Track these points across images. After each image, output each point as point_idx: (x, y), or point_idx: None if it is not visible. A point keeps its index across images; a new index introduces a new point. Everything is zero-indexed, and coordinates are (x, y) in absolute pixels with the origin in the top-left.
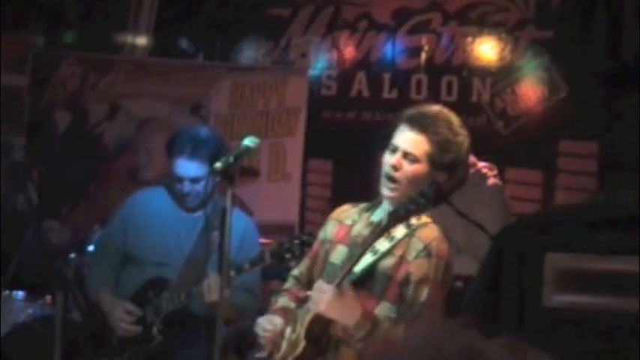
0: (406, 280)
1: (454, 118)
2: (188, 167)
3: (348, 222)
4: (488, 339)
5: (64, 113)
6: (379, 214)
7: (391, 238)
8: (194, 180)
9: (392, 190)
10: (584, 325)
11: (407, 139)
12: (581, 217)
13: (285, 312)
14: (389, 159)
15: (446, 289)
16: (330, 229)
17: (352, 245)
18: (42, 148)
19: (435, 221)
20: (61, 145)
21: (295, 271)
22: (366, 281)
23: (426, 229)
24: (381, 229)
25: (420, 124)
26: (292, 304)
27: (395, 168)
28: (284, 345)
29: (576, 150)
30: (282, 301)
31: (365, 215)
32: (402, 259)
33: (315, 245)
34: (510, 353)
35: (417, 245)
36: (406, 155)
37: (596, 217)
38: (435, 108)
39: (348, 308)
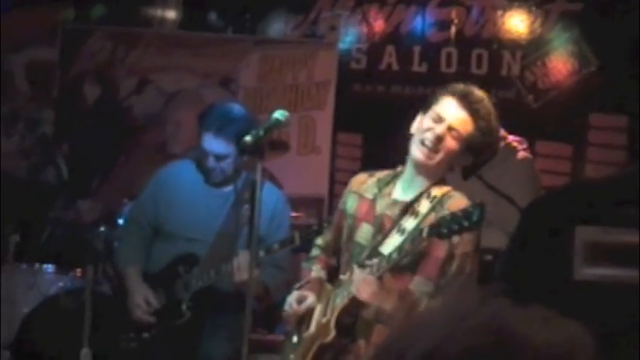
0: (450, 255)
1: (493, 108)
2: (213, 143)
3: (369, 196)
4: (515, 309)
5: (93, 86)
6: (401, 190)
7: (416, 214)
8: (218, 157)
9: (428, 157)
10: (615, 298)
11: (455, 114)
12: (611, 190)
13: (319, 283)
14: (432, 126)
15: (477, 251)
16: (351, 203)
17: (377, 224)
18: (71, 122)
19: (455, 189)
20: (90, 118)
21: (320, 241)
22: (399, 261)
23: (453, 199)
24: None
25: (471, 104)
26: (323, 274)
27: (439, 138)
28: (313, 324)
29: (606, 123)
30: (316, 270)
31: (386, 190)
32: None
33: (337, 216)
34: (538, 323)
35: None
36: (450, 129)
37: (626, 190)
38: (481, 93)
39: (388, 295)
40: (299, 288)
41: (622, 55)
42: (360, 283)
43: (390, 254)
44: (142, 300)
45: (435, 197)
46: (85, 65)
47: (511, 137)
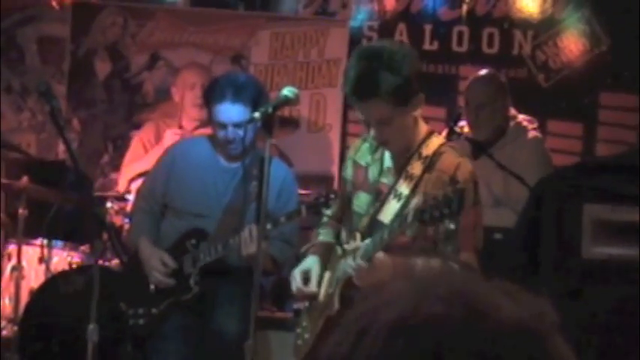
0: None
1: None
2: (231, 112)
3: (363, 163)
4: (483, 281)
5: (104, 62)
6: (389, 154)
7: (410, 177)
8: (237, 125)
9: (378, 140)
10: (622, 276)
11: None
12: (620, 169)
13: (324, 247)
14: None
15: (478, 204)
16: (349, 170)
17: (373, 192)
18: (82, 97)
19: (443, 138)
20: (101, 94)
21: (329, 211)
22: (389, 241)
23: (444, 158)
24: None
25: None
26: (331, 237)
27: (366, 122)
28: (322, 293)
29: (617, 103)
30: (323, 233)
31: (377, 155)
32: (427, 195)
33: (341, 185)
34: (506, 297)
35: (442, 179)
36: (362, 109)
37: (635, 168)
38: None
39: (383, 274)
40: (306, 251)
41: (633, 35)
42: (354, 270)
43: (382, 235)
44: (159, 262)
45: (426, 157)
46: (96, 41)
47: (521, 116)
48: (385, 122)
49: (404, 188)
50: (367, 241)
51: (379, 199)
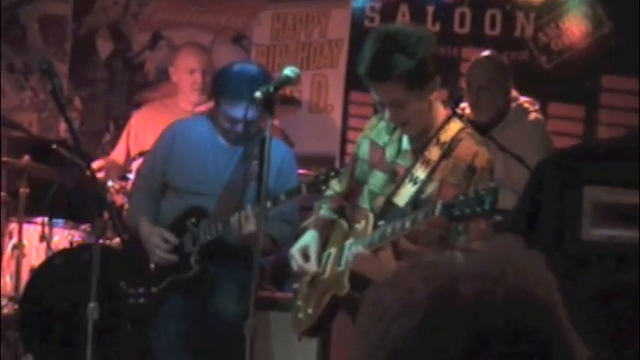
0: None
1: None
2: (244, 110)
3: (380, 142)
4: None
5: (106, 41)
6: (408, 141)
7: (427, 162)
8: (249, 122)
9: (394, 122)
10: (622, 259)
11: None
12: (620, 151)
13: (324, 221)
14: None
15: None
16: (364, 148)
17: (389, 172)
18: (84, 76)
19: (462, 123)
20: (103, 73)
21: (337, 187)
22: (412, 210)
23: (462, 145)
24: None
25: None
26: (332, 213)
27: (382, 104)
28: (328, 269)
29: (619, 86)
30: (325, 209)
31: (395, 136)
32: (442, 182)
33: (351, 161)
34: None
35: (459, 166)
36: (379, 95)
37: (636, 151)
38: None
39: (384, 267)
40: (306, 225)
41: (635, 18)
42: (356, 258)
43: (404, 223)
44: (159, 239)
45: (444, 143)
46: (98, 20)
47: (523, 98)
48: (400, 105)
49: (420, 172)
50: (381, 228)
51: (394, 180)
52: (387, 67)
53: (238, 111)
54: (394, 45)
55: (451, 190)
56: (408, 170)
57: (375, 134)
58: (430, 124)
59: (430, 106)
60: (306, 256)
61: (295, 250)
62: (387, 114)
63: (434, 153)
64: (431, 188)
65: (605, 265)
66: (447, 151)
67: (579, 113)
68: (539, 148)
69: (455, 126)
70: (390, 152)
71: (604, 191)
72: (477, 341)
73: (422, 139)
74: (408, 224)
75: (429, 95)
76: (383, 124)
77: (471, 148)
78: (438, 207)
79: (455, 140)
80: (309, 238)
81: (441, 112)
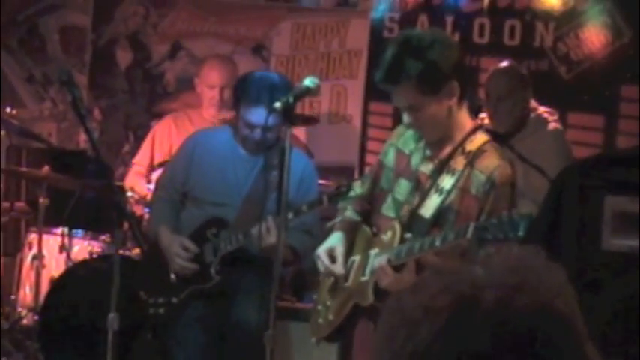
0: (478, 216)
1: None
2: (263, 116)
3: (407, 151)
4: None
5: (125, 52)
6: (428, 147)
7: (452, 172)
8: (267, 129)
9: (411, 125)
10: None
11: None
12: None
13: (351, 224)
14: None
15: (514, 206)
16: (390, 156)
17: (414, 181)
18: (103, 87)
19: (487, 136)
20: (123, 83)
21: (359, 189)
22: (437, 220)
23: (485, 156)
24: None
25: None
26: (357, 215)
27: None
28: (351, 277)
29: (638, 95)
30: (350, 210)
31: (421, 144)
32: (464, 191)
33: (376, 166)
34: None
35: (479, 178)
36: (397, 100)
37: None
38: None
39: (404, 284)
40: (332, 226)
41: None
42: (379, 272)
43: (434, 241)
44: (180, 247)
45: (469, 152)
46: (117, 30)
47: (542, 108)
48: (415, 109)
49: (446, 183)
50: (408, 243)
51: (419, 188)
52: (398, 71)
53: (257, 116)
54: (407, 49)
55: (471, 202)
56: (434, 181)
57: (402, 142)
58: (450, 132)
59: (450, 113)
60: (332, 257)
61: (322, 251)
62: (404, 118)
63: (459, 163)
64: (454, 197)
65: (626, 274)
66: (471, 161)
67: (598, 123)
68: (559, 158)
69: (481, 137)
70: (415, 160)
71: (624, 201)
72: (495, 348)
73: (440, 146)
74: (438, 243)
75: (446, 100)
76: (410, 132)
77: (493, 161)
78: (471, 229)
79: (479, 151)
80: (336, 240)
81: (467, 121)
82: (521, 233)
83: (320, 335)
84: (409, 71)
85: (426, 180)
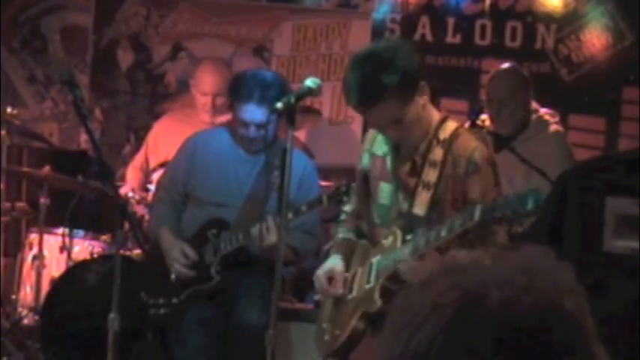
0: (463, 199)
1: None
2: (256, 112)
3: (380, 153)
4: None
5: (126, 52)
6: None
7: (434, 164)
8: (261, 125)
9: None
10: None
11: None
12: None
13: (345, 244)
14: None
15: (499, 185)
16: (366, 161)
17: (394, 182)
18: (105, 86)
19: (457, 121)
20: (124, 84)
21: (347, 207)
22: (432, 214)
23: (460, 140)
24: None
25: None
26: (351, 234)
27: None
28: (355, 288)
29: None
30: (342, 231)
31: (392, 145)
32: (449, 177)
33: (357, 178)
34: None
35: (459, 162)
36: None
37: None
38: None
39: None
40: (327, 250)
41: None
42: (408, 268)
43: (439, 232)
44: (180, 253)
45: (444, 140)
46: (119, 31)
47: (543, 110)
48: (398, 121)
49: (431, 176)
50: (417, 237)
51: (402, 188)
52: (377, 88)
53: (249, 113)
54: (377, 65)
55: (457, 184)
56: (418, 177)
57: (376, 146)
58: (428, 125)
59: (424, 108)
60: (330, 279)
61: (320, 273)
62: (387, 133)
63: (437, 153)
64: (442, 187)
65: (629, 276)
66: (448, 147)
67: (600, 125)
68: (560, 159)
69: (451, 124)
70: (390, 162)
71: (626, 202)
72: (496, 348)
73: (415, 143)
74: (444, 233)
75: (421, 100)
76: (380, 135)
77: (470, 143)
78: (477, 212)
79: (453, 136)
80: (334, 261)
81: (434, 114)
82: (529, 207)
83: (328, 352)
84: (388, 86)
85: (407, 179)
